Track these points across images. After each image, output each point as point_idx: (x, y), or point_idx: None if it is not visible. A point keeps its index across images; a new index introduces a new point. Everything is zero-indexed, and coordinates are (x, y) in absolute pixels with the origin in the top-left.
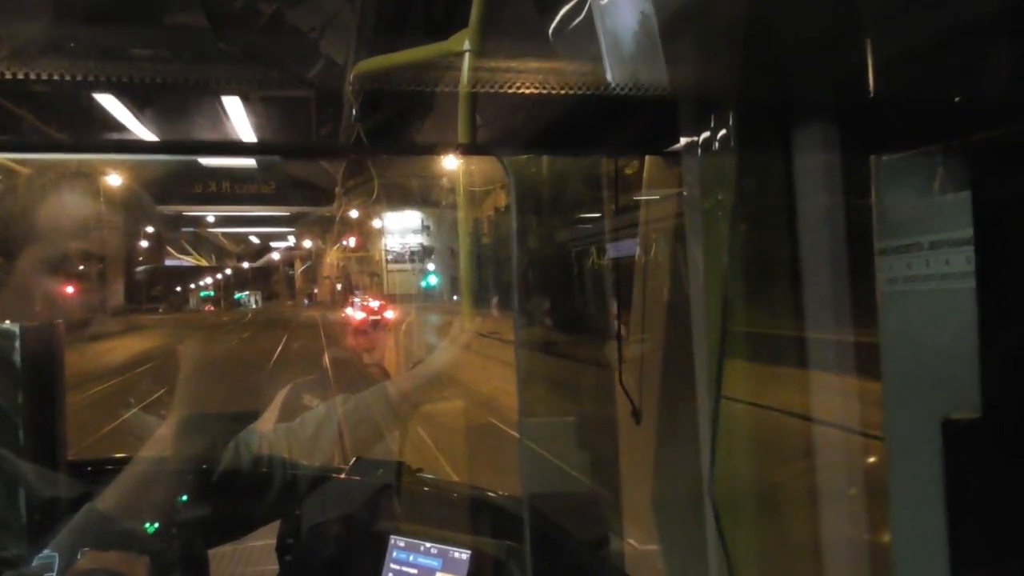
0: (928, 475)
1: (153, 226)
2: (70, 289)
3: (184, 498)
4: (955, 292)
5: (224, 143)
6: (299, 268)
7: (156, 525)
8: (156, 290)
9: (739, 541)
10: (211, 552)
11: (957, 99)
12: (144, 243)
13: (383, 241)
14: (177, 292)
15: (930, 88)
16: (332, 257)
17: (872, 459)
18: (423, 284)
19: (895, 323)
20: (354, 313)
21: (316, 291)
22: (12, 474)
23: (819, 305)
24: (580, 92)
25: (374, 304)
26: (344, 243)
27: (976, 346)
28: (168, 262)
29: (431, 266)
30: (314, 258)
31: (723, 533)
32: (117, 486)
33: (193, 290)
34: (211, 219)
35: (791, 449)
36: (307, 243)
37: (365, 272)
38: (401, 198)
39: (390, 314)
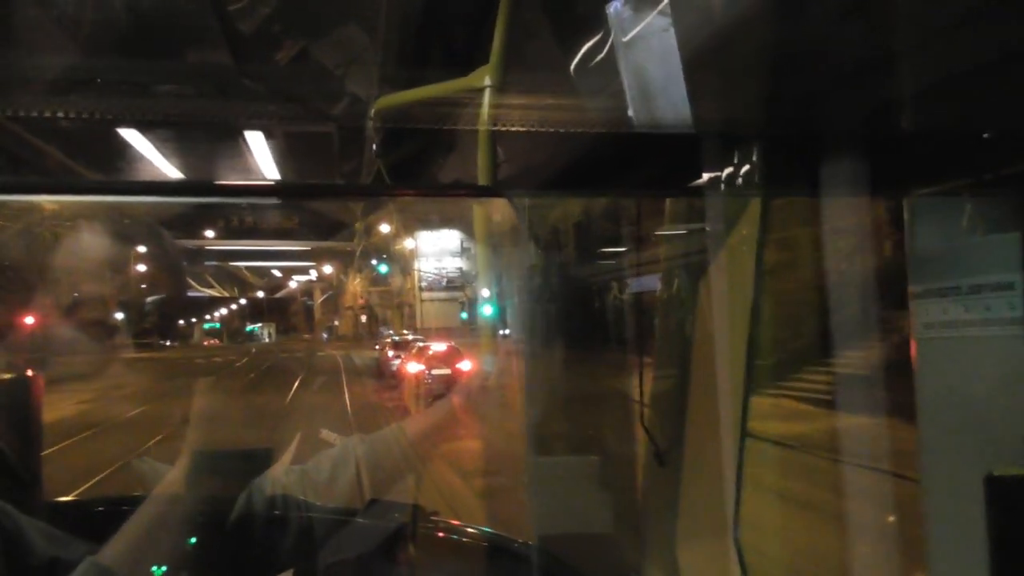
0: (970, 533)
1: (170, 259)
2: (28, 320)
3: (193, 541)
4: (997, 339)
5: (243, 186)
6: (319, 298)
7: (164, 569)
8: (148, 323)
9: None
10: None
11: (995, 134)
12: (147, 274)
13: (416, 266)
14: (183, 325)
15: (966, 122)
16: (355, 286)
17: (905, 505)
18: (465, 315)
19: (932, 371)
20: (404, 364)
21: (337, 323)
22: (13, 531)
23: (850, 347)
24: (602, 130)
25: (438, 347)
26: (372, 263)
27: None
28: (191, 294)
29: (485, 292)
30: (336, 287)
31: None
32: (122, 537)
33: (206, 322)
34: (234, 253)
35: (818, 492)
36: (328, 269)
37: (393, 303)
38: (428, 220)
39: (467, 365)
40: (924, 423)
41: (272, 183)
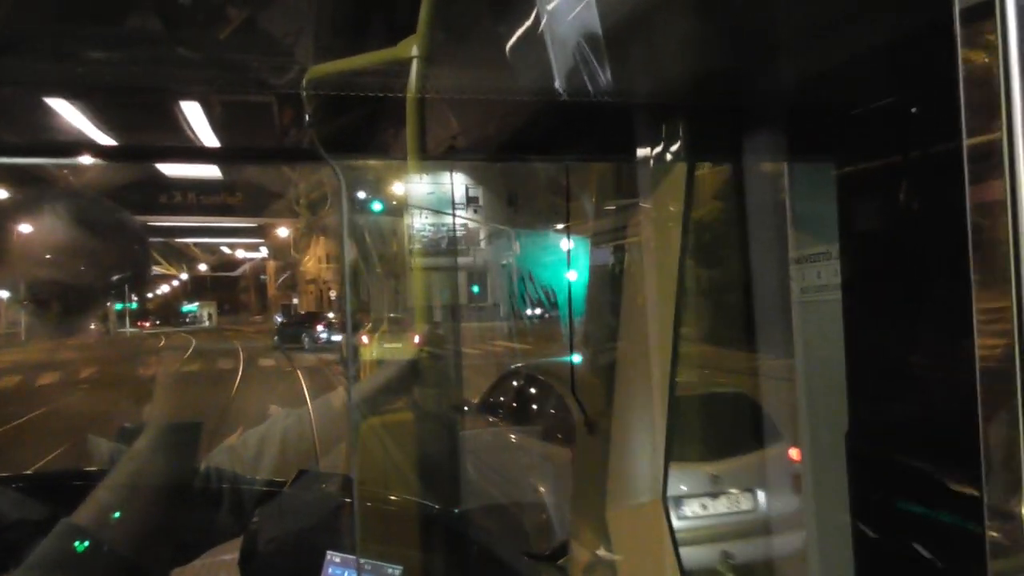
0: (840, 490)
1: (131, 234)
2: None
3: (142, 512)
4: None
5: (176, 148)
6: (273, 271)
7: (87, 544)
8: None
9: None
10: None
11: (878, 110)
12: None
13: (406, 223)
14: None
15: (845, 99)
16: (319, 253)
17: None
18: (477, 289)
19: (806, 334)
20: None
21: (296, 301)
22: None
23: (768, 309)
24: (530, 99)
25: None
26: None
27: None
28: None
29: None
30: (294, 254)
31: (676, 538)
32: (94, 501)
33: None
34: (180, 229)
35: (741, 452)
36: (283, 232)
37: (374, 273)
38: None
39: None
40: (801, 385)
41: (204, 147)
